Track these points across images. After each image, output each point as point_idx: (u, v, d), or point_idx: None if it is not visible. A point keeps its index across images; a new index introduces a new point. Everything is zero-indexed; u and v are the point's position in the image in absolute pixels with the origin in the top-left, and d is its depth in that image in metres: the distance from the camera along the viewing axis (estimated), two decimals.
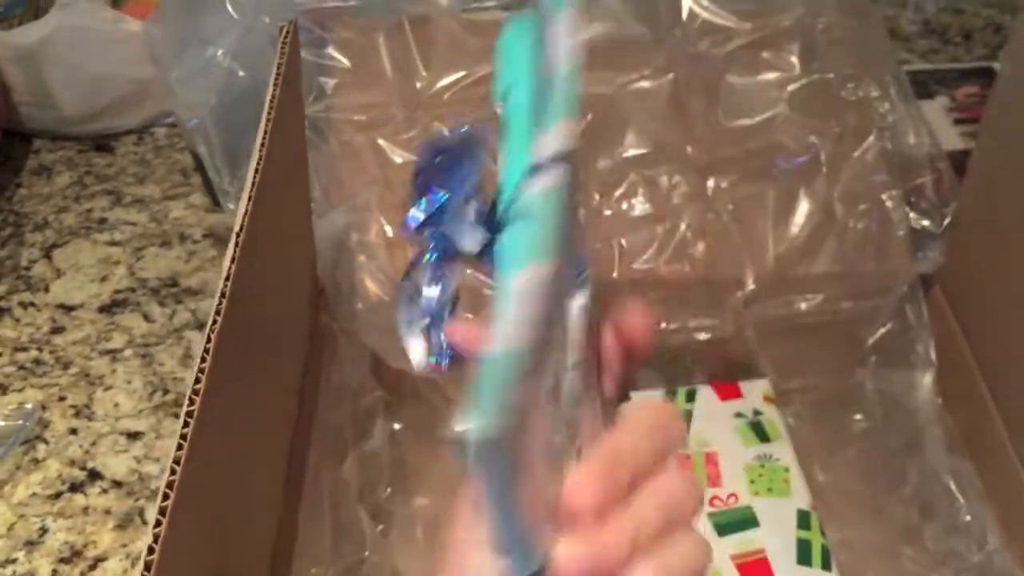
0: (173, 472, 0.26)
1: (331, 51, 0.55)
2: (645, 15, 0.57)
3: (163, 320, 0.65)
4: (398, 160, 0.54)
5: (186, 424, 0.27)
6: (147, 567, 0.25)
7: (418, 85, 0.56)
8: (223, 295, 0.30)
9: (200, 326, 0.64)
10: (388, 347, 0.52)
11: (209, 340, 0.29)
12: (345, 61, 0.55)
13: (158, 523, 0.25)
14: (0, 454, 0.57)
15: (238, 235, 0.32)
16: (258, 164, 0.34)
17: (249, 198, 0.33)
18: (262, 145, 0.35)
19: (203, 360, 0.28)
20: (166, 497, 0.26)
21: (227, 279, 0.30)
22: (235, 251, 0.31)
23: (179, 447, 0.27)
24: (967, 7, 0.94)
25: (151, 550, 0.25)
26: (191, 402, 0.27)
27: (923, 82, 0.82)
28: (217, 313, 0.29)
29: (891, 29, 0.90)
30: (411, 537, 0.50)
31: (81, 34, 0.73)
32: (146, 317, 0.65)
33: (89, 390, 0.61)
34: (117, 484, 0.56)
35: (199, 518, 0.29)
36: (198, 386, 0.28)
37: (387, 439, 0.53)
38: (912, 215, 0.52)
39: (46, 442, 0.58)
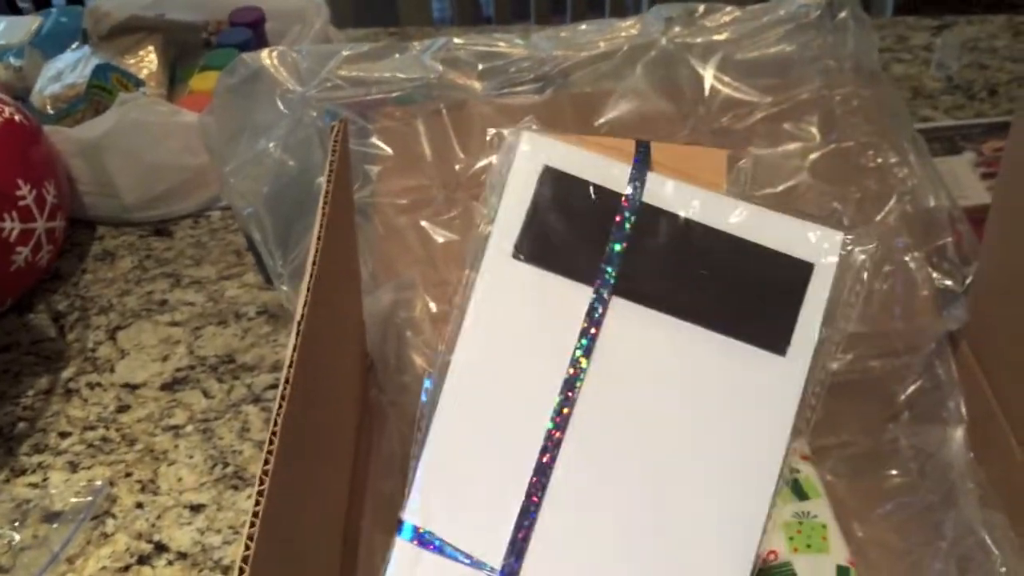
0: (247, 548, 0.29)
1: (374, 139, 0.58)
2: (669, 92, 0.60)
3: (221, 396, 0.68)
4: (440, 239, 0.57)
5: (257, 503, 0.29)
6: None
7: (456, 167, 0.59)
8: (287, 381, 0.33)
9: (256, 400, 0.68)
10: None
11: (276, 424, 0.31)
12: (387, 148, 0.58)
13: None
14: (71, 530, 0.60)
15: (299, 324, 0.35)
16: (315, 255, 0.37)
17: (308, 288, 0.36)
18: (319, 237, 0.38)
19: (271, 443, 0.31)
20: (242, 571, 0.28)
21: (290, 366, 0.33)
22: (296, 340, 0.34)
23: (252, 524, 0.29)
24: (991, 62, 0.96)
25: None
26: (261, 482, 0.30)
27: (949, 138, 0.84)
28: (283, 397, 0.32)
29: (915, 87, 0.93)
30: None
31: (140, 127, 0.78)
32: (205, 393, 0.69)
33: (154, 465, 0.64)
34: (182, 555, 0.58)
35: None
36: (267, 467, 0.30)
37: None
38: (935, 275, 0.53)
39: (114, 517, 0.61)
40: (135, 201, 0.81)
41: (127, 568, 0.58)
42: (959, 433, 0.52)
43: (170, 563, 0.58)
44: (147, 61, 0.90)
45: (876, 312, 0.53)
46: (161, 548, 0.59)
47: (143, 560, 0.58)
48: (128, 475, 0.63)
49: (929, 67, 0.95)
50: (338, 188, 0.43)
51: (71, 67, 0.90)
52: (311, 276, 0.37)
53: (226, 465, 0.64)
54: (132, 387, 0.69)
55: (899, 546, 0.51)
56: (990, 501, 0.50)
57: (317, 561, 0.43)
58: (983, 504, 0.49)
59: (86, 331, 0.74)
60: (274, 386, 0.69)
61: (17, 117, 0.74)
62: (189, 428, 0.66)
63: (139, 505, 0.61)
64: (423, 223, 0.57)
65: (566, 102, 0.60)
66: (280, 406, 0.32)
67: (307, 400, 0.37)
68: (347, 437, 0.50)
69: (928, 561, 0.50)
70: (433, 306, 0.55)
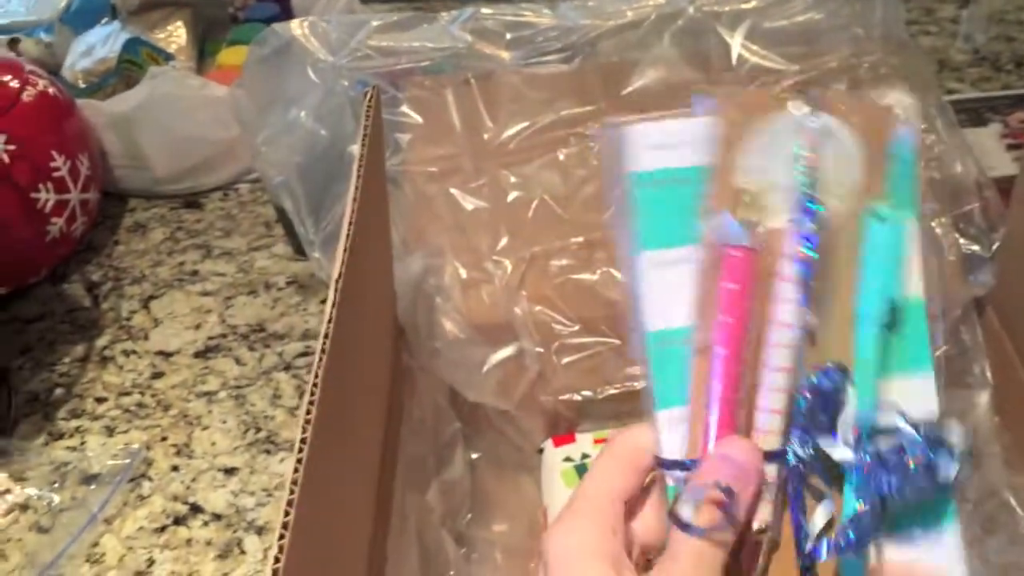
0: (287, 513, 0.29)
1: (404, 108, 0.59)
2: (697, 60, 0.60)
3: (253, 363, 0.69)
4: (469, 207, 0.58)
5: (296, 468, 0.30)
6: None
7: (485, 137, 0.59)
8: (326, 336, 0.34)
9: (287, 367, 0.69)
10: (464, 382, 0.55)
11: (315, 387, 0.32)
12: (417, 117, 0.59)
13: (277, 560, 0.29)
14: (109, 492, 0.61)
15: (337, 282, 0.36)
16: (351, 217, 0.38)
17: (345, 249, 0.37)
18: (354, 199, 0.39)
19: (309, 407, 0.31)
20: (282, 536, 0.29)
21: (329, 321, 0.34)
22: (335, 296, 0.35)
23: (291, 490, 0.30)
24: (1018, 34, 0.95)
25: None
26: (300, 449, 0.30)
27: (975, 110, 0.84)
28: (320, 359, 0.33)
29: (941, 59, 0.92)
30: (491, 560, 0.54)
31: (171, 100, 0.79)
32: (237, 361, 0.70)
33: (188, 430, 0.65)
34: (217, 517, 0.60)
35: (309, 550, 0.32)
36: (305, 434, 0.31)
37: (466, 468, 0.56)
38: (962, 241, 0.54)
39: (150, 479, 0.62)
40: (166, 174, 0.83)
41: (163, 528, 0.59)
42: (984, 397, 0.52)
43: (205, 524, 0.59)
44: (176, 36, 0.91)
45: None
46: (196, 509, 0.60)
47: (179, 521, 0.60)
48: (163, 439, 0.65)
49: (956, 39, 0.95)
50: (372, 154, 0.44)
51: (101, 42, 0.91)
52: (347, 237, 0.38)
53: (258, 430, 0.65)
54: (166, 355, 0.71)
55: None
56: (1015, 464, 0.50)
57: (351, 520, 0.44)
58: (1008, 467, 0.50)
59: (120, 300, 0.76)
60: (304, 354, 0.70)
61: (51, 90, 0.75)
62: (222, 394, 0.67)
63: (174, 468, 0.63)
64: (452, 191, 0.57)
65: (593, 72, 0.60)
66: (318, 369, 0.32)
67: (343, 364, 0.37)
68: (379, 401, 0.51)
69: None
70: (463, 272, 0.56)
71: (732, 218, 0.35)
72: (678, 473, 0.34)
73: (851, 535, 0.32)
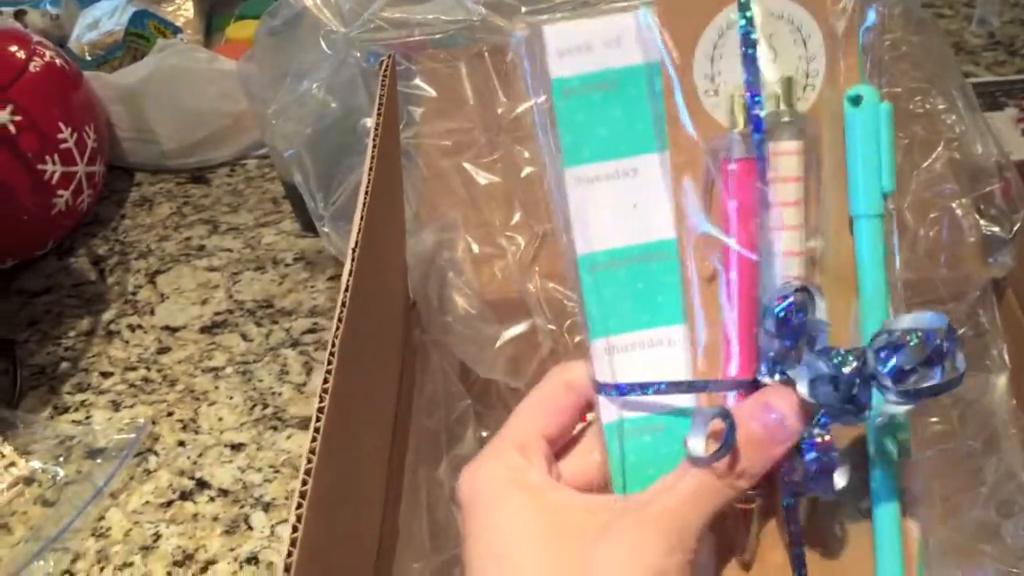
0: (304, 483, 0.29)
1: (417, 81, 0.58)
2: None
3: (260, 339, 0.69)
4: (482, 181, 0.57)
5: (314, 439, 0.30)
6: (287, 568, 0.27)
7: (499, 110, 0.59)
8: (343, 305, 0.33)
9: (294, 344, 0.68)
10: (475, 358, 0.55)
11: (331, 358, 0.31)
12: (431, 90, 0.58)
13: (295, 528, 0.28)
14: (115, 466, 0.61)
15: (353, 251, 0.35)
16: (367, 188, 0.37)
17: (361, 218, 0.36)
18: (370, 170, 0.38)
19: (326, 378, 0.31)
20: (299, 506, 0.29)
21: (346, 290, 0.33)
22: (352, 265, 0.34)
23: (309, 460, 0.29)
24: None
25: (289, 553, 0.28)
26: (318, 418, 0.30)
27: (991, 94, 0.83)
28: (336, 331, 0.32)
29: (956, 43, 0.91)
30: None
31: (178, 73, 0.78)
32: (244, 337, 0.69)
33: (194, 405, 0.65)
34: (223, 492, 0.59)
35: (323, 523, 0.32)
36: (322, 405, 0.30)
37: (477, 445, 0.55)
38: (982, 222, 0.53)
39: (156, 454, 0.62)
40: (173, 147, 0.82)
41: (170, 503, 0.59)
42: (1002, 380, 0.52)
43: (212, 499, 0.59)
44: (183, 9, 0.90)
45: (921, 258, 0.52)
46: (203, 484, 0.60)
47: (185, 496, 0.59)
48: (170, 414, 0.64)
49: (970, 23, 0.94)
50: (386, 125, 0.43)
51: (108, 15, 0.90)
52: (363, 207, 0.37)
53: (265, 406, 0.64)
54: (172, 330, 0.70)
55: (938, 492, 0.51)
56: None
57: (363, 494, 0.44)
58: None
59: (126, 275, 0.75)
60: (312, 331, 0.69)
61: (58, 61, 0.74)
62: (228, 370, 0.67)
63: (181, 443, 0.62)
64: (466, 165, 0.57)
65: None
66: (334, 341, 0.32)
67: (358, 338, 0.37)
68: (392, 375, 0.50)
69: (967, 506, 0.50)
70: (475, 247, 0.55)
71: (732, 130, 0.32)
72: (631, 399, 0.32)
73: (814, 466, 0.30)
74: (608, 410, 0.32)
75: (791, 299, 0.31)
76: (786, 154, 0.33)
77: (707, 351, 0.33)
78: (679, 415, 0.32)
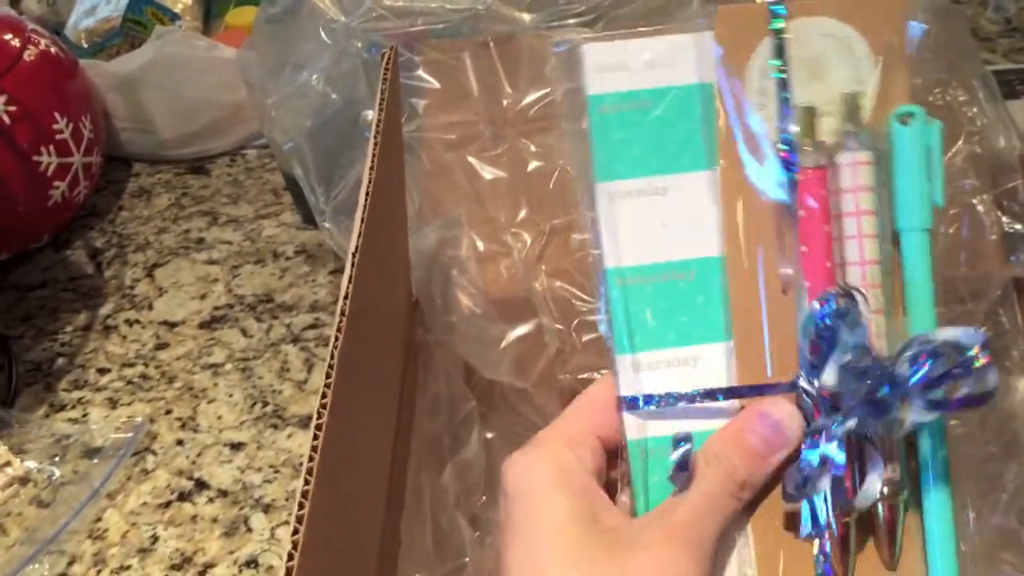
0: (307, 483, 0.28)
1: (420, 72, 0.56)
2: None
3: (260, 335, 0.68)
4: (487, 176, 0.55)
5: (315, 436, 0.28)
6: (288, 572, 0.26)
7: (504, 103, 0.57)
8: (343, 312, 0.32)
9: (295, 340, 0.67)
10: (480, 358, 0.53)
11: (333, 357, 0.30)
12: (434, 82, 0.57)
13: (296, 531, 0.27)
14: (112, 466, 0.60)
15: (354, 255, 0.33)
16: (368, 185, 0.36)
17: (362, 219, 0.35)
18: (371, 167, 0.37)
19: (328, 376, 0.30)
20: (301, 505, 0.27)
21: (346, 298, 0.32)
22: (352, 271, 0.33)
23: (310, 458, 0.28)
24: None
25: (290, 556, 0.26)
26: (319, 415, 0.29)
27: (1008, 82, 0.81)
28: (338, 331, 0.31)
29: (972, 30, 0.89)
30: None
31: (177, 61, 0.77)
32: (244, 332, 0.68)
33: (193, 403, 0.63)
34: (223, 493, 0.58)
35: (324, 527, 0.30)
36: (325, 400, 0.29)
37: (482, 448, 0.54)
38: (1004, 219, 0.51)
39: (154, 453, 0.61)
40: (172, 137, 0.80)
41: (168, 504, 0.58)
42: (1023, 382, 0.50)
43: (211, 500, 0.58)
44: None
45: (941, 257, 0.51)
46: (202, 485, 0.59)
47: (184, 497, 0.58)
48: (168, 412, 0.63)
49: (986, 8, 0.92)
50: (389, 119, 0.41)
51: (105, 1, 0.88)
52: (364, 206, 0.35)
53: (265, 404, 0.63)
54: (170, 325, 0.69)
55: (958, 497, 0.49)
56: None
57: (364, 499, 0.42)
58: None
59: (124, 268, 0.73)
60: (313, 326, 0.68)
61: (53, 49, 0.73)
62: (228, 367, 0.66)
63: (179, 442, 0.61)
64: (470, 159, 0.55)
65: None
66: (336, 339, 0.31)
67: (359, 335, 0.36)
68: (394, 376, 0.49)
69: (987, 513, 0.48)
70: (480, 244, 0.53)
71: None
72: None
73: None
74: (633, 428, 0.32)
75: (832, 304, 0.30)
76: (859, 164, 0.34)
77: (774, 360, 0.33)
78: (705, 435, 0.32)
